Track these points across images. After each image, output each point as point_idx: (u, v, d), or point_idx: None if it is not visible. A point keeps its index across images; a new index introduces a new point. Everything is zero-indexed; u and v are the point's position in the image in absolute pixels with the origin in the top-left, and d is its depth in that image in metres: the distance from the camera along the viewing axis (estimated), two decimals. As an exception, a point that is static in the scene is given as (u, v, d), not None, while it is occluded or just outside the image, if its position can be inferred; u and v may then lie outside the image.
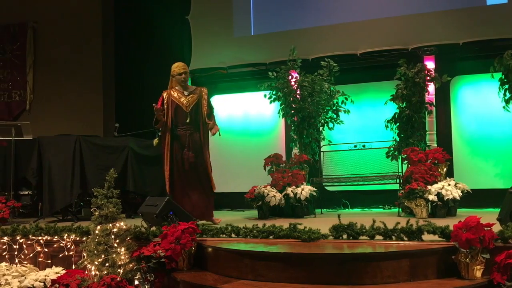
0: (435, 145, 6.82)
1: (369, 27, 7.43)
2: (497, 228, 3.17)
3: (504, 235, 3.13)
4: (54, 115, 9.06)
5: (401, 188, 5.76)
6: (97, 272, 3.37)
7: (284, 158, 6.78)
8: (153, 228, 4.00)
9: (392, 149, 6.24)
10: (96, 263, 3.39)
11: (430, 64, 6.91)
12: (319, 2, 7.82)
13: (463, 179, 6.01)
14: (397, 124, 6.31)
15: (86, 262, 3.48)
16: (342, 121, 6.82)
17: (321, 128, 6.88)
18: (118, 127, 7.10)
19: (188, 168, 5.04)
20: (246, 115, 8.32)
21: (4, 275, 4.00)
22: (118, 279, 3.24)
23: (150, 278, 3.45)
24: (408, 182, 5.50)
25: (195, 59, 8.24)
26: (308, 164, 6.51)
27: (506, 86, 5.97)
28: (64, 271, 3.96)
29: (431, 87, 6.52)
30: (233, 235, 3.86)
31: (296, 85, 6.69)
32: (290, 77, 6.76)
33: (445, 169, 5.82)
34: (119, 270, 3.37)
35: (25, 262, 4.32)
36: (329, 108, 6.78)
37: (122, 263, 3.40)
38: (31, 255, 4.37)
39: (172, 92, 5.19)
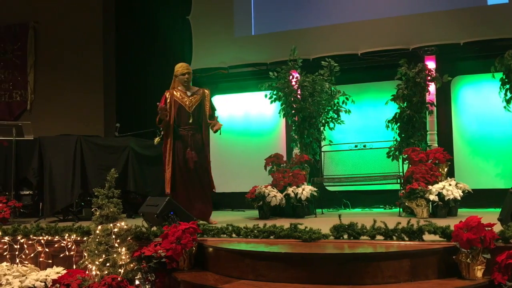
0: (436, 145, 6.82)
1: (370, 27, 7.43)
2: (498, 228, 3.17)
3: (505, 235, 3.13)
4: (55, 115, 9.06)
5: (402, 188, 5.75)
6: (98, 272, 3.37)
7: (285, 158, 6.78)
8: (154, 228, 4.00)
9: (393, 149, 6.23)
10: (97, 263, 3.39)
11: (431, 64, 6.90)
12: (320, 2, 7.82)
13: (464, 179, 6.01)
14: (398, 124, 6.30)
15: (87, 262, 3.48)
16: (343, 121, 6.82)
17: (322, 128, 6.88)
18: (119, 127, 7.10)
19: (190, 168, 5.05)
20: (246, 115, 8.32)
21: (5, 275, 4.00)
22: (119, 279, 3.25)
23: (151, 278, 3.45)
24: (409, 182, 5.50)
25: (195, 59, 8.25)
26: (309, 164, 6.51)
27: (507, 86, 5.97)
28: (65, 271, 3.96)
29: (432, 87, 6.52)
30: (234, 235, 3.86)
31: (297, 85, 6.68)
32: (291, 77, 6.76)
33: (446, 169, 5.82)
34: (120, 270, 3.37)
35: (26, 262, 4.32)
36: (330, 108, 6.78)
37: (123, 263, 3.40)
38: (32, 255, 4.37)
39: (174, 92, 5.21)
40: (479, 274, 2.98)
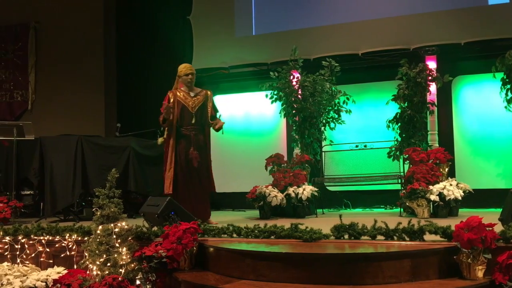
0: (437, 145, 6.82)
1: (370, 27, 7.43)
2: (499, 228, 3.17)
3: (506, 235, 3.13)
4: (56, 115, 9.07)
5: (402, 188, 5.75)
6: (98, 272, 3.37)
7: (285, 158, 6.78)
8: (155, 228, 4.00)
9: (393, 149, 6.23)
10: (98, 263, 3.39)
11: (432, 64, 6.90)
12: (321, 2, 7.81)
13: (464, 179, 6.00)
14: (399, 124, 6.30)
15: (87, 262, 3.48)
16: (344, 121, 6.82)
17: (322, 128, 6.88)
18: (120, 127, 7.11)
19: (194, 168, 5.07)
20: (247, 115, 8.32)
21: (6, 275, 4.00)
22: (119, 279, 3.25)
23: (152, 278, 3.45)
24: (409, 182, 5.50)
25: (196, 59, 8.25)
26: (310, 164, 6.51)
27: (508, 86, 5.97)
28: (65, 271, 3.96)
29: (433, 87, 6.51)
30: (234, 235, 3.86)
31: (297, 85, 6.68)
32: (291, 77, 6.76)
33: (446, 169, 5.82)
34: (120, 270, 3.37)
35: (27, 262, 4.32)
36: (330, 108, 6.77)
37: (124, 263, 3.40)
38: (33, 255, 4.37)
39: (177, 93, 5.23)
40: (480, 274, 2.98)
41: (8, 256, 4.44)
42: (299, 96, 6.66)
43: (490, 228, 3.03)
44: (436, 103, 6.72)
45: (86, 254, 3.53)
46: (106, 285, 3.19)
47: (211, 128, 5.33)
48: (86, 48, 9.11)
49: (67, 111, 9.01)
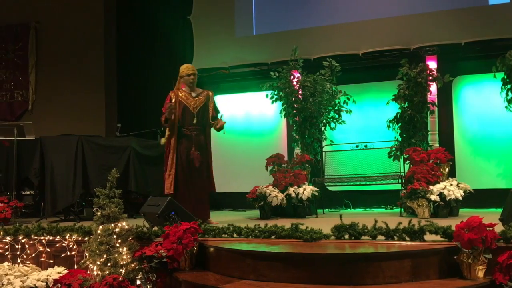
0: (437, 145, 6.81)
1: (371, 27, 7.43)
2: (499, 228, 3.16)
3: (506, 235, 3.13)
4: (56, 115, 9.07)
5: (403, 188, 5.75)
6: (99, 272, 3.37)
7: (286, 158, 6.78)
8: (155, 228, 4.00)
9: (394, 149, 6.23)
10: (98, 263, 3.39)
11: (432, 64, 6.90)
12: (321, 2, 7.82)
13: (465, 179, 6.00)
14: (399, 124, 6.30)
15: (88, 262, 3.48)
16: (344, 121, 6.82)
17: (323, 128, 6.88)
18: (120, 127, 7.11)
19: (195, 168, 5.08)
20: (248, 115, 8.32)
21: (6, 275, 4.00)
22: (120, 279, 3.25)
23: (152, 278, 3.45)
24: (410, 182, 5.50)
25: (197, 59, 8.25)
26: (310, 164, 6.51)
27: (509, 86, 5.97)
28: (66, 271, 3.96)
29: (433, 87, 6.51)
30: (235, 235, 3.86)
31: (298, 85, 6.68)
32: (292, 77, 6.76)
33: (447, 169, 5.81)
34: (121, 270, 3.37)
35: (28, 262, 4.32)
36: (331, 108, 6.77)
37: (124, 263, 3.40)
38: (33, 255, 4.37)
39: (179, 93, 5.23)
40: (480, 274, 2.98)
41: (9, 256, 4.44)
42: (300, 96, 6.66)
43: (491, 228, 3.03)
44: (436, 103, 6.72)
45: (87, 254, 3.53)
46: (107, 285, 3.19)
47: (212, 128, 5.34)
48: (86, 48, 9.11)
49: (67, 111, 9.02)
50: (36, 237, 4.36)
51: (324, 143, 7.01)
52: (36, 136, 6.30)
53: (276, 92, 6.79)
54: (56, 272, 3.99)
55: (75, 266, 4.08)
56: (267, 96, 6.88)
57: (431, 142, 6.76)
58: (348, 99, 6.77)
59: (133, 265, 3.43)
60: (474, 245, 2.95)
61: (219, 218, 5.63)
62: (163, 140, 5.29)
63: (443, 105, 7.18)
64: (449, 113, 7.24)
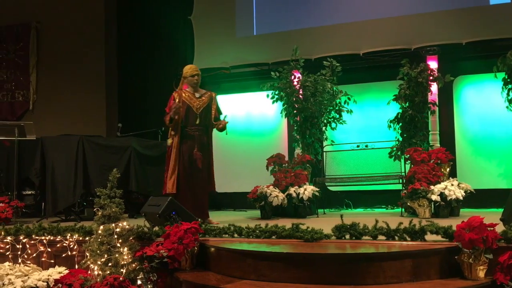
0: (438, 145, 6.81)
1: (371, 27, 7.43)
2: (500, 228, 3.16)
3: (507, 235, 3.12)
4: (57, 115, 9.08)
5: (404, 188, 5.75)
6: (100, 272, 3.37)
7: (286, 158, 6.78)
8: (156, 228, 4.01)
9: (395, 149, 6.23)
10: (99, 263, 3.39)
11: (433, 64, 6.90)
12: (322, 2, 7.81)
13: (466, 179, 6.00)
14: (400, 124, 6.29)
15: (89, 262, 3.48)
16: (345, 121, 6.81)
17: (323, 128, 6.87)
18: (121, 127, 7.12)
19: (196, 168, 5.10)
20: (248, 115, 8.33)
21: (7, 274, 4.00)
22: (121, 279, 3.25)
23: (153, 278, 3.45)
24: (411, 182, 5.49)
25: (197, 59, 8.25)
26: (311, 164, 6.51)
27: (510, 86, 5.97)
28: (67, 271, 3.96)
29: (434, 87, 6.50)
30: (235, 235, 3.86)
31: (298, 85, 6.68)
32: (292, 77, 6.76)
33: (448, 169, 5.81)
34: (122, 270, 3.37)
35: (28, 262, 4.33)
36: (331, 108, 6.77)
37: (125, 263, 3.40)
38: (34, 255, 4.38)
39: (182, 93, 5.25)
40: (481, 274, 2.97)
41: (10, 256, 4.44)
42: (300, 96, 6.66)
43: (492, 228, 3.03)
44: (437, 103, 6.71)
45: (87, 254, 3.53)
46: (107, 285, 3.19)
47: (214, 129, 5.35)
48: (87, 48, 9.11)
49: (68, 111, 9.02)
50: (37, 237, 4.36)
51: (325, 143, 7.00)
52: (37, 136, 6.30)
53: (276, 92, 6.79)
54: (57, 272, 3.99)
55: (76, 266, 4.08)
56: (267, 96, 6.88)
57: (432, 142, 6.75)
58: (349, 99, 6.76)
59: (134, 265, 3.43)
60: (475, 245, 2.95)
61: (219, 218, 5.63)
62: (169, 141, 5.29)
63: (444, 105, 7.17)
64: (450, 113, 7.24)
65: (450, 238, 3.20)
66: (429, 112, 6.41)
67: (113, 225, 3.48)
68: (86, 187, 6.05)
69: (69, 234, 4.22)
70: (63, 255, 4.23)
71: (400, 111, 6.31)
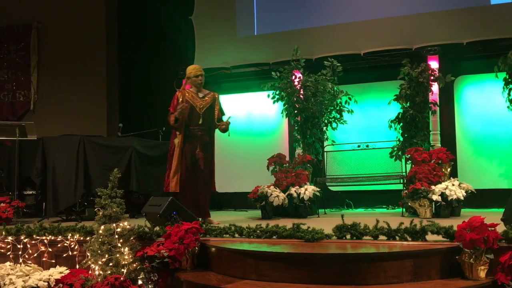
0: (439, 145, 6.81)
1: (372, 27, 7.43)
2: (501, 228, 3.16)
3: (508, 236, 3.12)
4: (58, 115, 9.09)
5: (404, 188, 5.75)
6: (100, 272, 3.38)
7: (287, 158, 6.78)
8: (157, 228, 4.01)
9: (395, 149, 6.22)
10: (100, 262, 3.39)
11: (434, 64, 6.89)
12: (322, 2, 7.82)
13: (467, 179, 6.00)
14: (401, 124, 6.29)
15: (90, 262, 3.48)
16: (346, 121, 6.81)
17: (324, 128, 6.87)
18: (122, 127, 7.13)
19: (198, 168, 5.11)
20: (249, 115, 8.32)
21: (8, 274, 4.01)
22: (121, 278, 3.25)
23: (154, 278, 3.45)
24: (411, 182, 5.49)
25: (198, 59, 8.25)
26: (312, 164, 6.50)
27: (510, 86, 5.97)
28: (68, 271, 3.97)
29: (435, 87, 6.50)
30: (236, 235, 3.86)
31: (299, 85, 6.68)
32: (293, 77, 6.75)
33: (449, 169, 5.80)
34: (122, 270, 3.38)
35: (29, 262, 4.33)
36: (332, 108, 6.76)
37: (126, 263, 3.40)
38: (35, 254, 4.38)
39: (186, 93, 5.25)
40: (482, 274, 2.97)
41: (11, 256, 4.45)
42: (301, 96, 6.66)
43: (493, 228, 3.03)
44: (438, 103, 6.70)
45: (88, 254, 3.53)
46: (108, 285, 3.19)
47: (217, 129, 5.36)
48: (88, 48, 9.12)
49: (69, 111, 9.03)
50: (38, 237, 4.37)
51: (325, 143, 7.00)
52: (38, 136, 6.31)
53: (277, 92, 6.79)
54: (58, 272, 3.99)
55: (77, 266, 4.09)
56: (268, 96, 6.88)
57: (433, 142, 6.75)
58: (350, 99, 6.76)
59: (134, 265, 3.44)
60: (476, 245, 2.95)
61: (220, 218, 5.63)
62: (176, 140, 5.28)
63: (445, 105, 7.17)
64: (450, 113, 7.23)
65: (451, 238, 3.20)
66: (430, 112, 6.41)
67: (114, 225, 3.48)
68: (87, 187, 6.06)
69: (70, 234, 4.22)
70: (64, 255, 4.23)
71: (401, 111, 6.30)
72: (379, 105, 7.44)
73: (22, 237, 4.43)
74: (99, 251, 3.41)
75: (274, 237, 3.72)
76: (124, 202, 3.62)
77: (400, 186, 5.94)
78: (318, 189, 5.91)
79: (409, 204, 5.35)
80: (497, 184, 6.80)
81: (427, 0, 7.22)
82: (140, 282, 3.43)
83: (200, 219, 4.57)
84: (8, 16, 9.56)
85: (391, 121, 6.38)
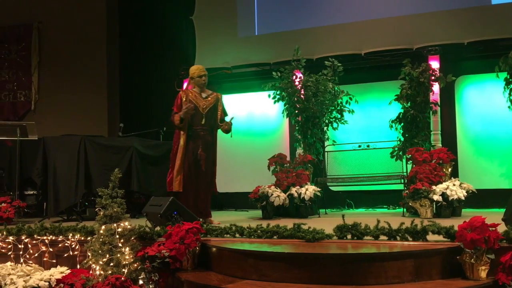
0: (440, 145, 6.80)
1: (373, 27, 7.42)
2: (502, 228, 3.16)
3: (509, 236, 3.12)
4: (59, 115, 9.09)
5: (405, 188, 5.74)
6: (101, 272, 3.38)
7: (288, 158, 6.77)
8: (158, 228, 4.01)
9: (396, 149, 6.22)
10: (101, 262, 3.39)
11: (435, 64, 6.89)
12: (323, 2, 7.81)
13: (468, 179, 5.99)
14: (402, 124, 6.29)
15: (90, 262, 3.49)
16: (347, 121, 6.80)
17: (325, 128, 6.87)
18: (123, 127, 7.13)
19: (200, 168, 5.11)
20: (250, 115, 8.32)
21: (9, 274, 4.01)
22: (122, 278, 3.25)
23: (155, 278, 3.45)
24: (412, 182, 5.49)
25: (199, 60, 8.25)
26: (312, 164, 6.50)
27: (511, 86, 5.95)
28: (69, 271, 3.97)
29: (436, 87, 6.49)
30: (237, 235, 3.86)
31: (300, 85, 6.68)
32: (294, 77, 6.75)
33: (450, 169, 5.80)
34: (123, 269, 3.38)
35: (30, 262, 4.33)
36: (333, 108, 6.76)
37: (127, 263, 3.40)
38: (36, 254, 4.39)
39: (189, 93, 5.26)
40: (483, 274, 2.97)
41: (12, 256, 4.45)
42: (302, 96, 6.65)
43: (493, 228, 3.02)
44: (439, 103, 6.70)
45: (89, 254, 3.54)
46: (109, 285, 3.19)
47: (219, 130, 5.37)
48: (89, 48, 9.13)
49: (70, 111, 9.04)
50: (38, 237, 4.37)
51: (326, 143, 7.01)
52: (39, 136, 6.31)
53: (278, 92, 6.79)
54: (58, 272, 3.99)
55: (78, 266, 4.09)
56: (269, 96, 6.88)
57: (434, 142, 6.74)
58: (351, 99, 6.75)
59: (135, 265, 3.44)
60: (477, 245, 2.95)
61: (221, 218, 5.63)
62: (180, 141, 5.28)
63: (446, 105, 7.16)
64: (451, 113, 7.23)
65: (452, 238, 3.20)
66: (431, 112, 6.41)
67: (115, 225, 3.49)
68: (87, 187, 6.06)
69: (71, 234, 4.22)
70: (65, 255, 4.24)
71: (402, 111, 6.30)
72: (380, 105, 7.43)
73: (23, 237, 4.44)
74: (100, 251, 3.41)
75: (275, 237, 3.72)
76: (125, 202, 3.62)
77: (401, 186, 5.94)
78: (318, 189, 5.91)
79: (410, 204, 5.35)
80: (498, 184, 6.80)
81: (428, 0, 7.22)
82: (141, 282, 3.43)
83: (201, 219, 4.57)
84: (9, 16, 9.56)
85: (392, 121, 6.37)
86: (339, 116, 6.78)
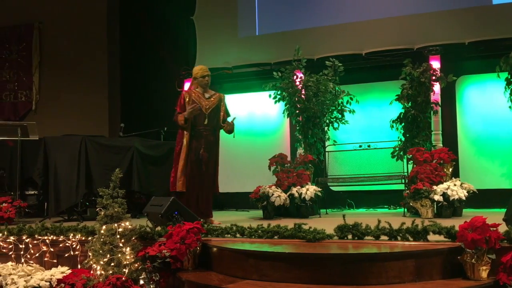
0: (441, 145, 6.80)
1: (374, 27, 7.42)
2: (503, 228, 3.16)
3: (510, 236, 3.12)
4: (60, 115, 9.10)
5: (406, 188, 5.74)
6: (102, 272, 3.38)
7: (289, 158, 6.77)
8: (158, 228, 4.01)
9: (397, 149, 6.22)
10: (102, 262, 3.39)
11: (436, 64, 6.88)
12: (324, 2, 7.81)
13: (468, 179, 5.99)
14: (403, 124, 6.28)
15: (91, 262, 3.49)
16: (347, 121, 6.80)
17: (326, 128, 6.87)
18: (123, 127, 7.13)
19: (203, 169, 5.12)
20: (251, 115, 8.32)
21: (10, 274, 4.01)
22: (123, 278, 3.25)
23: (155, 278, 3.45)
24: (413, 182, 5.48)
25: (200, 59, 8.25)
26: (313, 164, 6.50)
27: (512, 86, 5.95)
28: (69, 271, 3.97)
29: (437, 87, 6.49)
30: (238, 235, 3.86)
31: (301, 85, 6.68)
32: (295, 77, 6.75)
33: (450, 169, 5.80)
34: (124, 269, 3.38)
35: (31, 262, 4.34)
36: (334, 108, 6.76)
37: (128, 262, 3.40)
38: (37, 254, 4.39)
39: (192, 93, 5.26)
40: (484, 274, 2.97)
41: (13, 256, 4.45)
42: (303, 96, 6.65)
43: (494, 228, 3.02)
44: (440, 103, 6.69)
45: (90, 254, 3.54)
46: (110, 285, 3.19)
47: (221, 130, 5.38)
48: (90, 48, 9.13)
49: (71, 111, 9.04)
50: (39, 237, 4.37)
51: (327, 143, 7.00)
52: (40, 136, 6.32)
53: (279, 92, 6.79)
54: (59, 272, 4.00)
55: (79, 266, 4.09)
56: (270, 96, 6.87)
57: (435, 142, 6.74)
58: (351, 99, 6.75)
59: (136, 265, 3.44)
60: (478, 245, 2.95)
61: (222, 218, 5.63)
62: (183, 141, 5.29)
63: (447, 105, 7.16)
64: (452, 113, 7.22)
65: (453, 238, 3.20)
66: (432, 112, 6.40)
67: (116, 225, 3.49)
68: (88, 187, 6.06)
69: (71, 234, 4.23)
70: (66, 255, 4.24)
71: (403, 111, 6.29)
72: (380, 105, 7.43)
73: (24, 237, 4.44)
74: (100, 251, 3.42)
75: (275, 237, 3.72)
76: (125, 202, 3.63)
77: (401, 186, 5.94)
78: (319, 189, 5.91)
79: (411, 204, 5.35)
80: (499, 184, 6.79)
81: (429, 0, 7.21)
82: (141, 282, 3.43)
83: (201, 219, 4.57)
84: (10, 16, 9.57)
85: (393, 121, 6.37)
86: (339, 116, 6.78)
